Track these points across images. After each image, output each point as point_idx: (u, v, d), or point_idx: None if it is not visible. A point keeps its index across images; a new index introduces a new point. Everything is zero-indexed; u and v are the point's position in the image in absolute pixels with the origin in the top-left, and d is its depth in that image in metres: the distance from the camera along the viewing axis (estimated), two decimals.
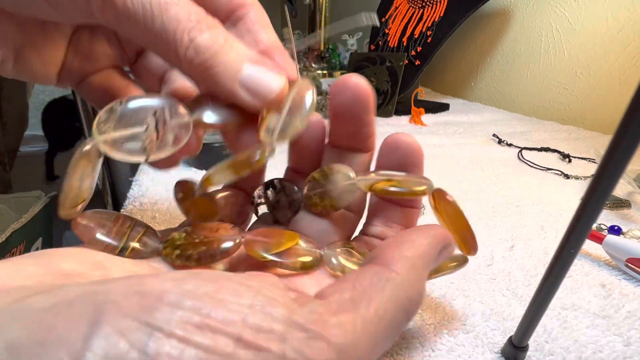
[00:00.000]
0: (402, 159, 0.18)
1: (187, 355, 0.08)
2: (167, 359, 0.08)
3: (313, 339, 0.10)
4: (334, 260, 0.17)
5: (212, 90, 0.16)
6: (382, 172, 0.18)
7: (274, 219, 0.21)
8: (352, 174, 0.18)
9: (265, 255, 0.16)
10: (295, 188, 0.20)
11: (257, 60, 0.16)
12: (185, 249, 0.16)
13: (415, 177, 0.18)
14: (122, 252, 0.16)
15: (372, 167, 0.20)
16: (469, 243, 0.18)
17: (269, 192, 0.20)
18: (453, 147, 0.59)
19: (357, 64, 0.86)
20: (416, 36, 0.85)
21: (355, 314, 0.11)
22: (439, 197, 0.18)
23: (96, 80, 0.20)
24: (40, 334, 0.08)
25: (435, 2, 0.83)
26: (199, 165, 0.46)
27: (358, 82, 0.17)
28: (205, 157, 0.45)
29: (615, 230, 0.32)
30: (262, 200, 0.21)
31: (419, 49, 0.84)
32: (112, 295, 0.09)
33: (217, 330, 0.09)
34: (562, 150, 0.55)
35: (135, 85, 0.22)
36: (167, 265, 0.16)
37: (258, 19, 0.18)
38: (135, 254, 0.16)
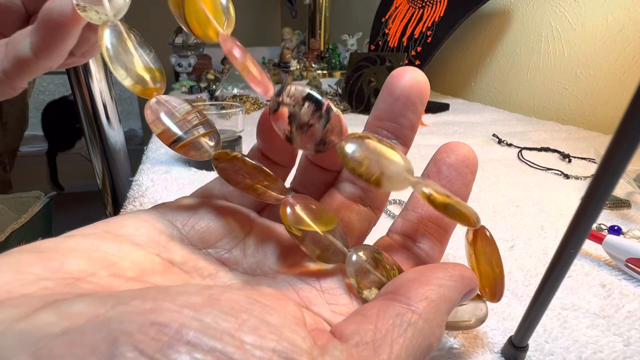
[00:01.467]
0: (453, 173, 0.17)
1: None
2: None
3: None
4: (353, 268, 0.16)
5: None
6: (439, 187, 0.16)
7: (287, 134, 0.16)
8: (410, 168, 0.16)
9: (292, 226, 0.16)
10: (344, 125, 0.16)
11: None
12: (235, 173, 0.16)
13: (465, 205, 0.16)
14: (175, 142, 0.16)
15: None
16: (496, 290, 0.17)
17: (305, 106, 0.16)
18: None
19: (357, 64, 0.86)
20: (416, 36, 0.85)
21: None
22: (482, 234, 0.17)
23: None
24: None
25: (435, 2, 0.83)
26: (199, 166, 0.46)
27: (417, 73, 0.16)
28: None
29: (615, 230, 0.32)
30: (290, 107, 0.16)
31: (419, 49, 0.84)
32: (127, 325, 0.09)
33: None
34: (562, 150, 0.55)
35: None
36: (184, 251, 0.16)
37: None
38: (185, 151, 0.16)
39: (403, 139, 0.17)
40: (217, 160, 0.16)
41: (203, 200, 0.18)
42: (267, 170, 0.17)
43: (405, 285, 0.14)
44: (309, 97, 0.16)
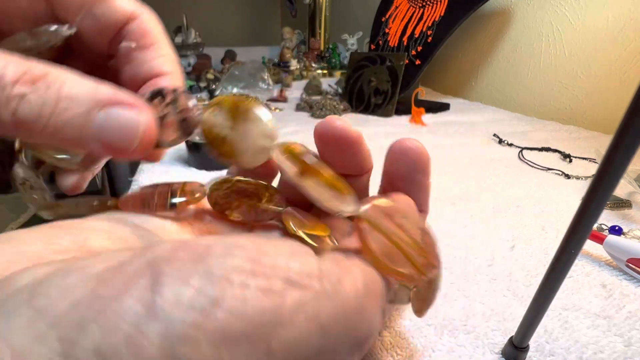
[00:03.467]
0: (410, 165, 0.17)
1: (249, 297, 0.09)
2: (233, 301, 0.09)
3: (343, 276, 0.11)
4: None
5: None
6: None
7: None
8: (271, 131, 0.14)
9: (295, 230, 0.16)
10: (196, 104, 0.14)
11: (110, 100, 0.12)
12: (230, 196, 0.17)
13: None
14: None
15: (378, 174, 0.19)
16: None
17: (155, 102, 0.14)
18: (453, 147, 0.58)
19: (357, 64, 0.86)
20: (416, 36, 0.85)
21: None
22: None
23: None
24: (105, 290, 0.09)
25: (435, 2, 0.83)
26: (199, 166, 0.46)
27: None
28: (204, 158, 0.45)
29: (616, 231, 0.32)
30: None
31: (419, 48, 0.84)
32: (161, 253, 0.10)
33: (268, 275, 0.10)
34: (562, 150, 0.55)
35: None
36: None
37: (148, 33, 0.17)
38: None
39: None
40: (215, 194, 0.17)
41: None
42: (266, 183, 0.17)
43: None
44: (153, 94, 0.14)
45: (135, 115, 0.12)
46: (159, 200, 0.16)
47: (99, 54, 0.18)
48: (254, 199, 0.17)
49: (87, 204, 0.17)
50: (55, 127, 0.12)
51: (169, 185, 0.17)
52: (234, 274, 0.09)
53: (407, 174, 0.17)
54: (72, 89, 0.12)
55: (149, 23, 0.17)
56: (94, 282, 0.09)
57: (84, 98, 0.12)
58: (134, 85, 0.17)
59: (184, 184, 0.17)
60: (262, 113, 0.14)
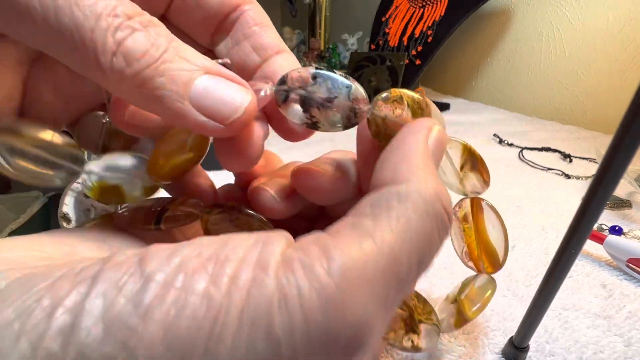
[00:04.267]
0: None
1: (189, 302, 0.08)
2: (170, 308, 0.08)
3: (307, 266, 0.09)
4: None
5: (150, 111, 0.12)
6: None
7: (309, 121, 0.15)
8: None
9: None
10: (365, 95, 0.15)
11: (215, 71, 0.12)
12: (221, 224, 0.16)
13: None
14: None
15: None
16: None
17: (318, 83, 0.14)
18: None
19: (357, 64, 0.86)
20: (417, 36, 0.85)
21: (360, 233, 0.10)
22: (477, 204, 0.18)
23: None
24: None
25: (435, 2, 0.83)
26: (203, 165, 0.45)
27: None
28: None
29: (616, 231, 0.32)
30: (301, 92, 0.14)
31: (419, 48, 0.84)
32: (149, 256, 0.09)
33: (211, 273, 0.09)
34: (563, 150, 0.55)
35: None
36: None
37: (257, 19, 0.16)
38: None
39: None
40: (209, 217, 0.16)
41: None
42: (264, 219, 0.16)
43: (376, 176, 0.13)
44: (319, 75, 0.14)
45: (240, 90, 0.12)
46: (146, 218, 0.15)
47: (199, 45, 0.17)
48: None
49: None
50: (155, 73, 0.11)
51: (162, 203, 0.16)
52: (171, 279, 0.08)
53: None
54: (181, 45, 0.12)
55: (256, 11, 0.16)
56: (90, 276, 0.09)
57: (192, 57, 0.12)
58: (208, 19, 0.16)
59: (180, 203, 0.16)
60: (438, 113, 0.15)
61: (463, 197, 0.18)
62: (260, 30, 0.15)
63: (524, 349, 0.19)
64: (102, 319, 0.08)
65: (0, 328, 0.08)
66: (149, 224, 0.15)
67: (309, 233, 0.10)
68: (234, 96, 0.12)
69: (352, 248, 0.09)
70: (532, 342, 0.20)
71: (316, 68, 0.14)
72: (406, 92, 0.15)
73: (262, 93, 0.14)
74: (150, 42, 0.11)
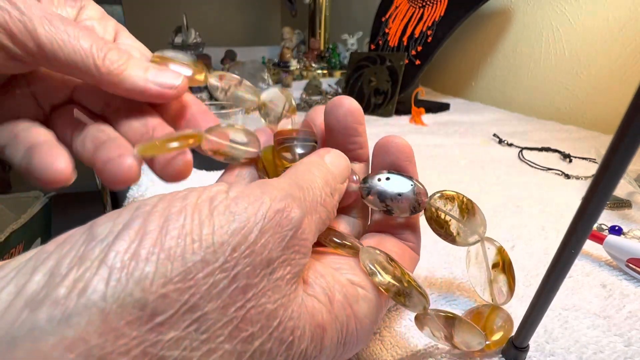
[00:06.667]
0: (394, 159, 0.21)
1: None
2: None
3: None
4: (369, 260, 0.18)
5: (123, 92, 0.20)
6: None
7: (385, 209, 0.20)
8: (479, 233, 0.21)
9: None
10: (426, 191, 0.20)
11: (158, 66, 0.21)
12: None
13: None
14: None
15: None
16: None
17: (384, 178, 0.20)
18: (453, 147, 0.58)
19: (357, 64, 0.86)
20: (416, 36, 0.85)
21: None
22: None
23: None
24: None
25: (435, 2, 0.83)
26: (199, 165, 0.46)
27: (350, 101, 0.20)
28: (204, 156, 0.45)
29: (616, 231, 0.32)
30: (382, 188, 0.20)
31: (419, 48, 0.84)
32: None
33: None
34: (562, 150, 0.55)
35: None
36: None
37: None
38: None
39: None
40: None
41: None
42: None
43: None
44: (391, 176, 0.20)
45: (175, 74, 0.21)
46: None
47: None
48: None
49: None
50: (127, 67, 0.19)
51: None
52: (156, 202, 0.12)
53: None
54: (135, 57, 0.20)
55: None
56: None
57: (144, 60, 0.21)
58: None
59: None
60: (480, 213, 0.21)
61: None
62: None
63: (524, 349, 0.19)
64: None
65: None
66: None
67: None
68: (173, 75, 0.21)
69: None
70: (532, 342, 0.20)
71: (388, 172, 0.20)
72: (458, 194, 0.20)
73: (351, 189, 0.20)
74: (119, 54, 0.19)
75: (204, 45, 1.27)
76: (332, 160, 0.19)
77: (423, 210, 0.20)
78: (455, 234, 0.20)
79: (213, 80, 0.23)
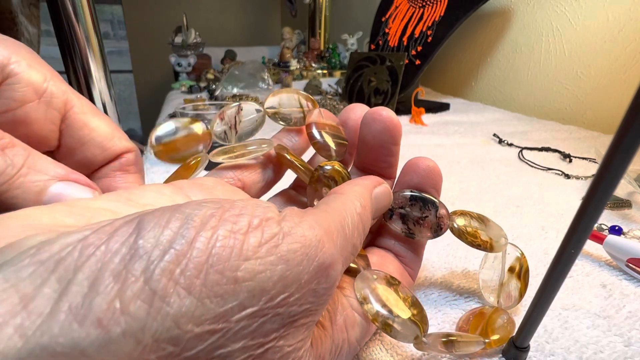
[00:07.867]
0: (421, 181, 0.20)
1: (219, 237, 0.11)
2: (204, 241, 0.11)
3: (300, 219, 0.13)
4: (362, 286, 0.17)
5: None
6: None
7: (407, 232, 0.20)
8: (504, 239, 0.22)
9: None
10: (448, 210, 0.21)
11: (67, 178, 0.15)
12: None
13: None
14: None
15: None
16: None
17: (414, 206, 0.20)
18: (453, 147, 0.58)
19: (357, 64, 0.86)
20: (416, 36, 0.85)
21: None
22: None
23: None
24: (96, 238, 0.11)
25: (435, 2, 0.83)
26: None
27: (388, 114, 0.19)
28: None
29: (616, 231, 0.32)
30: (401, 210, 0.20)
31: (419, 48, 0.84)
32: (147, 210, 0.12)
33: (233, 220, 0.12)
34: (562, 150, 0.55)
35: None
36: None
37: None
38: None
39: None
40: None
41: (218, 179, 0.21)
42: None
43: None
44: (413, 198, 0.20)
45: (86, 190, 0.16)
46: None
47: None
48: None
49: None
50: (12, 187, 0.14)
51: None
52: (206, 220, 0.11)
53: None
54: (38, 160, 0.15)
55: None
56: (88, 233, 0.11)
57: (47, 169, 0.15)
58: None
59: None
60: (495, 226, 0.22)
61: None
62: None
63: (525, 349, 0.19)
64: None
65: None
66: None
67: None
68: (82, 195, 0.16)
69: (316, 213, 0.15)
70: (532, 342, 0.20)
71: (411, 191, 0.20)
72: (471, 212, 0.21)
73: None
74: (7, 163, 0.14)
75: (204, 45, 1.28)
76: (378, 195, 0.18)
77: (449, 230, 0.20)
78: (488, 241, 0.21)
79: (217, 127, 0.23)
